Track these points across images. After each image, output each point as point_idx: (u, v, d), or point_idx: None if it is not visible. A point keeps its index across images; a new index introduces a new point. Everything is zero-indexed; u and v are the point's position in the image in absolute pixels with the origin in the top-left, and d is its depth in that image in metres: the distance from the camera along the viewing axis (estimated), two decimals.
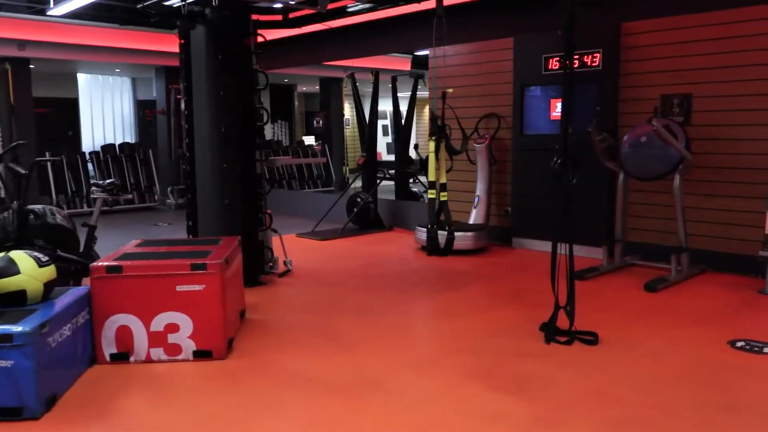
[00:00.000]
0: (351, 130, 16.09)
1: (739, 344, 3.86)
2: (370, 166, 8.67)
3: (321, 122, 14.48)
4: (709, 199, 5.77)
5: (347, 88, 8.64)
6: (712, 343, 3.91)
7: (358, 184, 9.32)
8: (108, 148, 11.59)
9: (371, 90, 8.75)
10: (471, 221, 7.32)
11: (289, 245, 6.59)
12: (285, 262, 6.33)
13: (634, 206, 6.20)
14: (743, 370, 3.49)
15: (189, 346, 3.68)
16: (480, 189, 7.35)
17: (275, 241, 6.18)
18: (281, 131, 17.24)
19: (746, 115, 5.52)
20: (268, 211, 6.00)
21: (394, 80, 9.26)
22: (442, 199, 6.90)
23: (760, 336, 4.00)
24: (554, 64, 6.63)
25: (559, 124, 6.79)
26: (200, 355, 3.69)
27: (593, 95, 6.36)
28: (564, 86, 3.98)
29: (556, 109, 6.69)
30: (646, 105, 6.04)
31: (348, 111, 16.03)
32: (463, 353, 3.82)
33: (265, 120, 5.86)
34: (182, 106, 11.45)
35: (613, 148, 5.74)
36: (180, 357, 3.69)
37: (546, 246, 7.00)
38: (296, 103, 17.42)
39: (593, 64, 6.33)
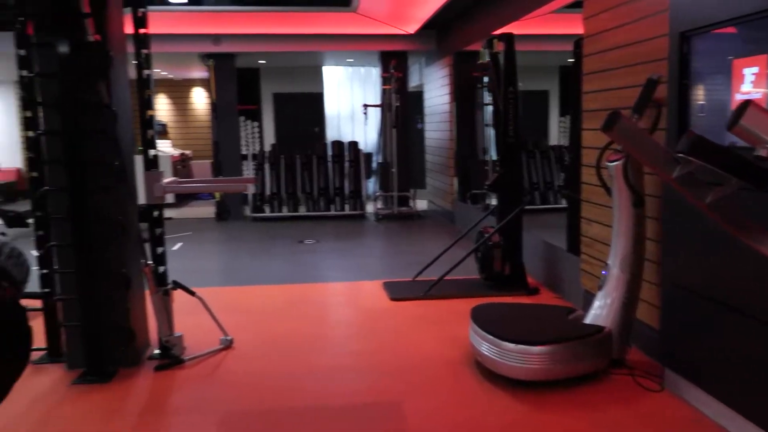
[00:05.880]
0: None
1: None
2: (506, 185, 5.38)
3: None
4: None
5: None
6: None
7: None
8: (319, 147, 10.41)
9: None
10: (589, 316, 3.66)
11: (352, 299, 5.12)
12: (222, 340, 4.04)
13: None
14: None
15: None
16: (614, 251, 3.61)
17: (182, 307, 3.95)
18: (249, 135, 12.25)
19: None
20: (148, 264, 3.77)
21: None
22: None
23: None
24: None
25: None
26: None
27: None
28: None
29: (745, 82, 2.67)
30: None
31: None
32: None
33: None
34: (394, 99, 9.71)
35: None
36: None
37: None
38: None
39: None
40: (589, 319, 3.65)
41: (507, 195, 5.43)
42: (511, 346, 3.36)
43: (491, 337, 3.48)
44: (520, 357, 3.35)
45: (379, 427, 3.07)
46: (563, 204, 6.68)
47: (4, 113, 13.15)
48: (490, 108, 9.04)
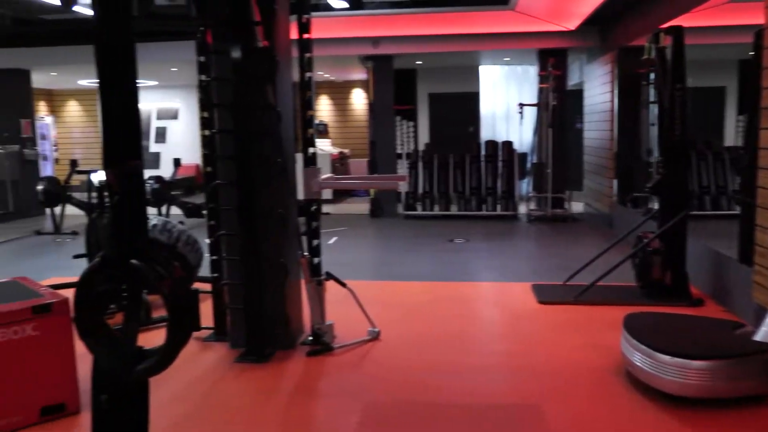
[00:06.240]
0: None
1: None
2: (670, 188, 5.05)
3: None
4: None
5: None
6: None
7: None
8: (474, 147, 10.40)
9: None
10: (760, 332, 3.34)
11: (498, 298, 5.28)
12: (369, 331, 4.21)
13: None
14: None
15: None
16: None
17: (334, 297, 4.17)
18: (404, 134, 12.32)
19: None
20: (305, 255, 4.00)
21: None
22: None
23: None
24: None
25: None
26: None
27: None
28: None
29: None
30: None
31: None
32: None
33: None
34: (551, 98, 9.43)
35: None
36: None
37: None
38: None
39: None
40: (759, 336, 3.33)
41: (670, 198, 5.09)
42: (667, 358, 3.16)
43: (645, 347, 3.29)
44: (677, 371, 3.13)
45: (519, 429, 3.03)
46: (737, 210, 6.14)
47: (188, 114, 14.58)
48: (655, 106, 8.53)
